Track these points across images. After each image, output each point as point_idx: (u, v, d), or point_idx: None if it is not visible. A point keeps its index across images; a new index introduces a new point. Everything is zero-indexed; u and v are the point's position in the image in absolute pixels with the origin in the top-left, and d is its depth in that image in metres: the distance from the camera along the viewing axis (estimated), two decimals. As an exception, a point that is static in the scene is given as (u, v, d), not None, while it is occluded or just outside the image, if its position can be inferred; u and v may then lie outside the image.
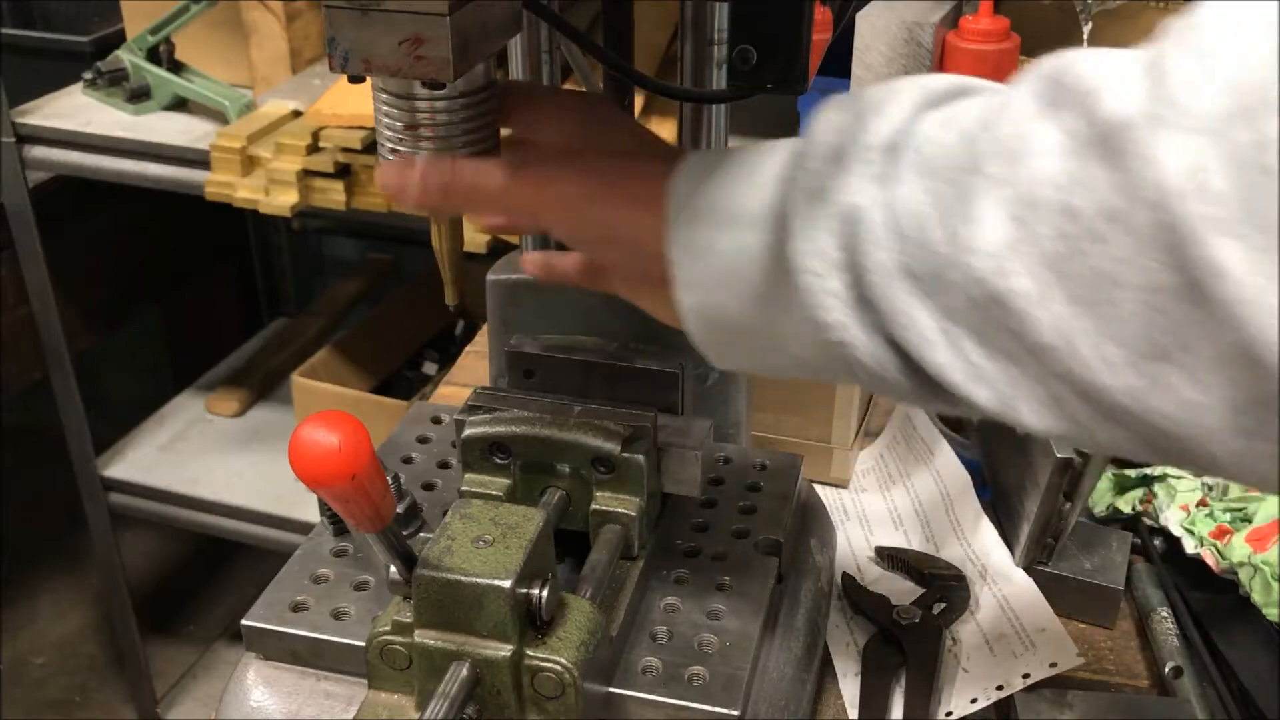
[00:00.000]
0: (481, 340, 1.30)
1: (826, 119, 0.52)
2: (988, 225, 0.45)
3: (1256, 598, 0.83)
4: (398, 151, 0.65)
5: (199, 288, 2.64)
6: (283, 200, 1.72)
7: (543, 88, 0.69)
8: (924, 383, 0.50)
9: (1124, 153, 0.41)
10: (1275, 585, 0.82)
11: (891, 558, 0.92)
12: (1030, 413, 0.47)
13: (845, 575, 0.88)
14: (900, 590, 0.88)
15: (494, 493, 0.71)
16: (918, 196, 0.48)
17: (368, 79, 0.60)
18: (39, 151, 1.88)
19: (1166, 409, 0.43)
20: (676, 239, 0.56)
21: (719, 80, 0.69)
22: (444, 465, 0.82)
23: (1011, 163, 0.45)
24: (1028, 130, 0.45)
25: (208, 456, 2.20)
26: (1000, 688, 0.78)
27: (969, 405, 0.49)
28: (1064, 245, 0.43)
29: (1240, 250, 0.39)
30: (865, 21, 1.34)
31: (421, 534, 0.75)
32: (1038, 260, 0.44)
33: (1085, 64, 0.44)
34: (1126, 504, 0.94)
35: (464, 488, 0.71)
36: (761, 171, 0.54)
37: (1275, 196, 0.38)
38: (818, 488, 0.89)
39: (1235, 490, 0.91)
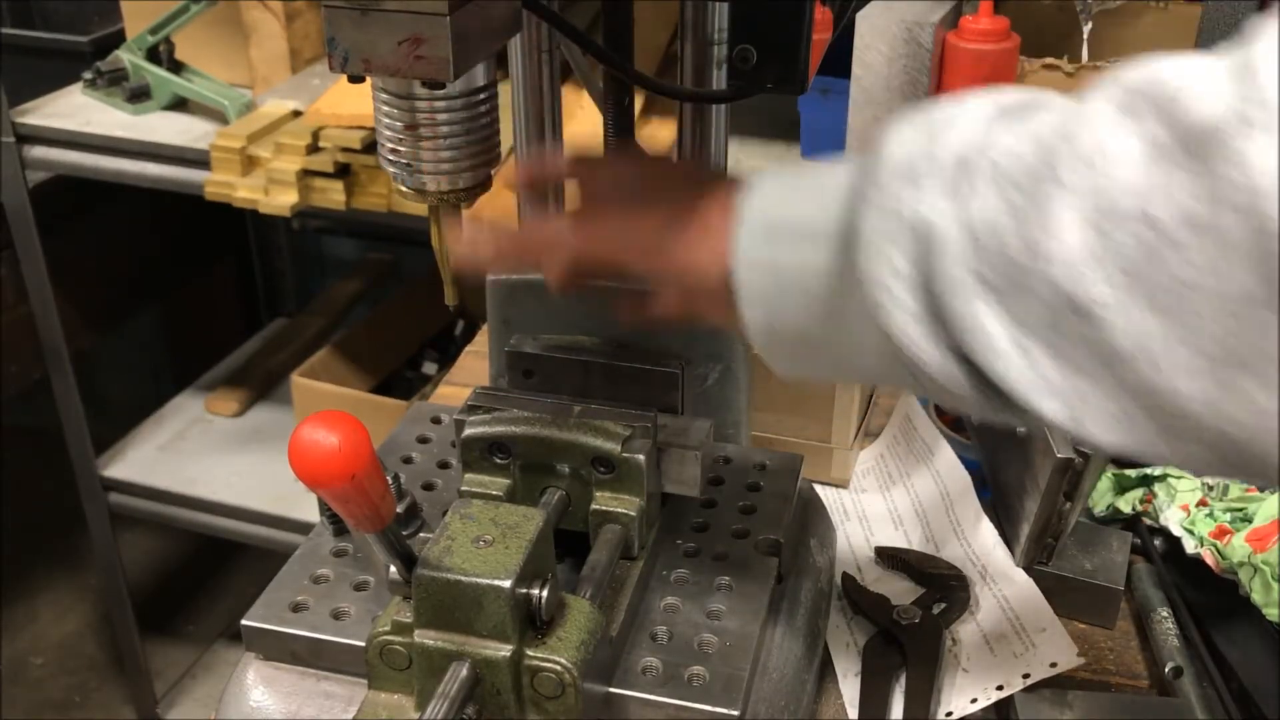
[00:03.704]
0: (481, 340, 1.30)
1: (898, 135, 0.52)
2: (1066, 234, 0.45)
3: (1256, 598, 0.83)
4: (398, 151, 0.65)
5: (199, 288, 2.64)
6: (282, 200, 1.72)
7: (596, 155, 0.71)
8: (991, 395, 0.50)
9: (1209, 157, 0.41)
10: (1275, 585, 0.82)
11: (891, 558, 0.92)
12: (1098, 428, 0.47)
13: (845, 575, 0.88)
14: (900, 590, 0.88)
15: (494, 493, 0.71)
16: (993, 207, 0.47)
17: (368, 79, 0.60)
18: (39, 151, 1.88)
19: (1240, 417, 0.43)
20: (742, 256, 0.57)
21: (719, 80, 0.69)
22: (444, 465, 0.82)
23: (1090, 171, 0.44)
24: (1107, 138, 0.44)
25: (207, 456, 2.20)
26: (1000, 687, 0.78)
27: (1036, 418, 0.49)
28: (1143, 253, 0.43)
29: None
30: (865, 21, 1.34)
31: (421, 534, 0.75)
32: (1116, 268, 0.44)
33: (1167, 70, 0.44)
34: (1126, 504, 0.94)
35: (464, 488, 0.71)
36: (828, 189, 0.55)
37: None
38: (818, 488, 0.89)
39: (1235, 490, 0.91)
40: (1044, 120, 0.48)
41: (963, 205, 0.48)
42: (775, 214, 0.57)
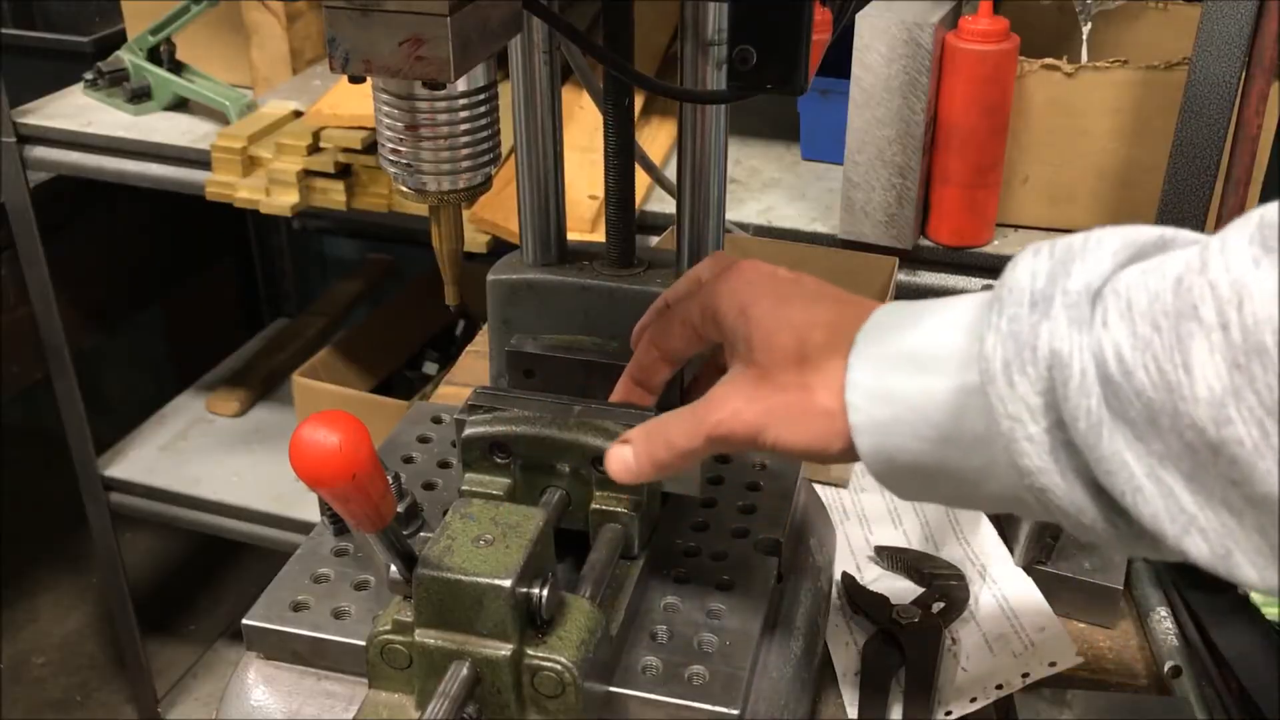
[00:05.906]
0: (481, 340, 1.30)
1: (1026, 265, 0.51)
2: (1204, 372, 0.43)
3: (1256, 597, 0.83)
4: (399, 151, 0.65)
5: (199, 288, 2.65)
6: (283, 200, 1.73)
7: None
8: (1124, 528, 0.49)
9: None
10: (1274, 585, 0.82)
11: (891, 557, 0.92)
12: (1249, 566, 0.46)
13: (845, 575, 0.89)
14: (900, 590, 0.88)
15: (494, 492, 0.71)
16: (1124, 341, 0.46)
17: (368, 79, 0.60)
18: (40, 152, 1.88)
19: None
20: (857, 384, 0.56)
21: (719, 80, 0.69)
22: (444, 465, 0.82)
23: (1228, 308, 0.43)
24: (1244, 275, 0.43)
25: (208, 456, 2.20)
26: (1000, 687, 0.79)
27: (1179, 554, 0.47)
28: None
29: None
30: (865, 21, 1.34)
31: (422, 534, 0.75)
32: (1259, 408, 0.42)
33: None
34: (1126, 504, 0.94)
35: (464, 487, 0.71)
36: (951, 319, 0.54)
37: None
38: (817, 487, 0.89)
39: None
40: (1178, 257, 0.47)
41: (1094, 338, 0.47)
42: (892, 343, 0.56)
